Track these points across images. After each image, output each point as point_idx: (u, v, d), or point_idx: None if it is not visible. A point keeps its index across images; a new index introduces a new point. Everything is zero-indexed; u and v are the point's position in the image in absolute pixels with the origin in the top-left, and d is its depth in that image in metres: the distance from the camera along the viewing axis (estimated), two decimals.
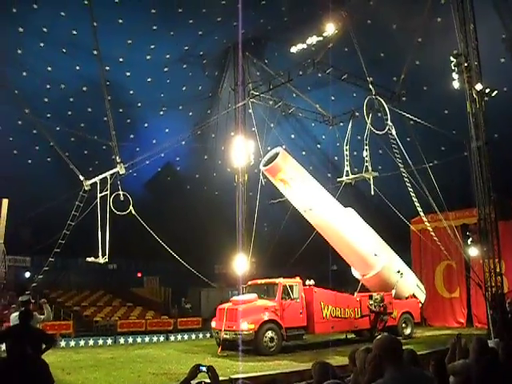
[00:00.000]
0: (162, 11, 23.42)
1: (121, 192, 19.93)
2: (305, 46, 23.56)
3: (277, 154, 20.17)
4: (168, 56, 26.14)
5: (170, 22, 24.07)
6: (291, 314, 19.34)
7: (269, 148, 22.45)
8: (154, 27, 24.08)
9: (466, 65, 18.47)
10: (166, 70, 26.67)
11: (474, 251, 20.35)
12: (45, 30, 22.75)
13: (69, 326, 24.19)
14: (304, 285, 20.23)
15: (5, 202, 22.07)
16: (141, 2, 23.09)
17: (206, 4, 24.14)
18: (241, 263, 24.63)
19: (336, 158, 28.58)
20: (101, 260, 19.90)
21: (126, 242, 25.55)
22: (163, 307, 32.49)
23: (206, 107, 30.41)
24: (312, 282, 20.55)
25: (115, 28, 23.00)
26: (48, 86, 25.19)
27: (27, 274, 31.20)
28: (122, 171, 19.80)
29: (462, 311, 27.07)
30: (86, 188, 20.45)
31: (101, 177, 20.31)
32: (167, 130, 29.06)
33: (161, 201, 30.38)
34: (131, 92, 27.07)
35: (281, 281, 19.87)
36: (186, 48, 26.26)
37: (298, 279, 20.22)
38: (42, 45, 23.28)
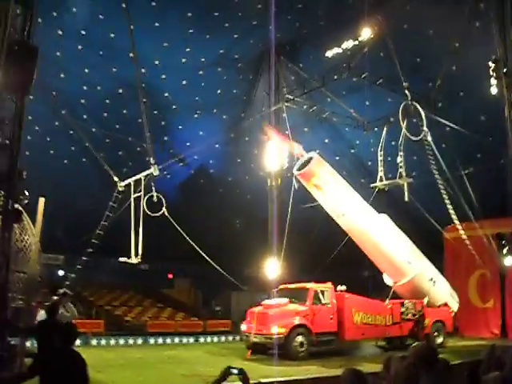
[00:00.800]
0: (198, 14, 23.60)
1: (154, 193, 20.13)
2: (340, 50, 23.40)
3: (311, 159, 20.09)
4: (203, 59, 26.31)
5: (206, 26, 24.24)
6: (322, 320, 19.16)
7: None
8: (190, 30, 24.26)
9: (504, 70, 18.15)
10: (201, 73, 26.85)
11: (509, 261, 19.96)
12: (83, 32, 23.13)
13: (100, 325, 24.45)
14: (335, 290, 20.08)
15: (41, 200, 22.24)
16: (177, 6, 23.30)
17: (242, 7, 24.24)
18: (272, 267, 24.54)
19: (370, 163, 28.37)
20: (134, 260, 20.11)
21: (158, 243, 25.73)
22: (193, 309, 32.63)
23: (240, 111, 30.47)
24: (344, 287, 20.37)
25: (152, 31, 23.26)
26: (85, 88, 25.58)
27: (61, 273, 31.62)
28: (156, 172, 20.01)
29: (496, 322, 26.52)
30: (120, 189, 20.69)
31: (135, 178, 20.53)
32: (201, 133, 29.22)
33: (193, 203, 30.49)
34: (166, 95, 27.31)
35: (312, 286, 19.74)
36: (222, 51, 26.40)
37: (329, 284, 20.06)
38: (80, 47, 23.67)
